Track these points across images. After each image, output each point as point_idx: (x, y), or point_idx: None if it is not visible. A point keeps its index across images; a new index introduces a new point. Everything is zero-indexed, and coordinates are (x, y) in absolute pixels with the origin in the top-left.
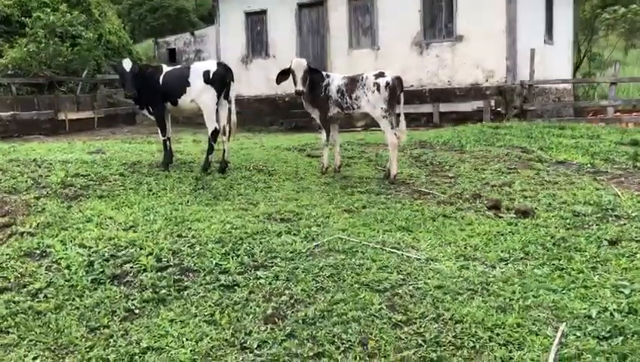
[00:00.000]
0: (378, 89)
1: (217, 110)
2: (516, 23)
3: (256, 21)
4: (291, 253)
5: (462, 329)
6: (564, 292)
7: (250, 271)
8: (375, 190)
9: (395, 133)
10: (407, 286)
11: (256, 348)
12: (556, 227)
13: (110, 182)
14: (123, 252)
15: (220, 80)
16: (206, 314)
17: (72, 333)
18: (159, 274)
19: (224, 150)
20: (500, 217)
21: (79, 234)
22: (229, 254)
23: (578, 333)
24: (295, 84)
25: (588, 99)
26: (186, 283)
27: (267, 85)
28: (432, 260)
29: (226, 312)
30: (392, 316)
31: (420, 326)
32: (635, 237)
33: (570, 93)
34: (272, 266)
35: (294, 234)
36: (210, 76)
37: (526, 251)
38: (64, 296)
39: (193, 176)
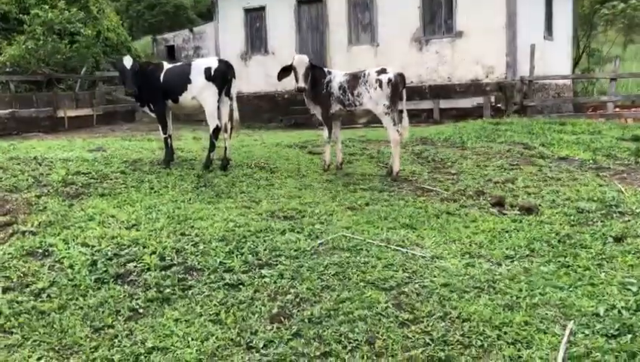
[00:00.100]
0: (380, 85)
1: (219, 107)
2: (516, 19)
3: (255, 17)
4: (296, 251)
5: (469, 327)
6: (571, 289)
7: (255, 269)
8: (378, 187)
9: (397, 130)
10: (413, 284)
11: (262, 348)
12: (561, 224)
13: (111, 180)
14: (126, 251)
15: (222, 77)
16: (211, 313)
17: (76, 333)
18: (163, 273)
19: (226, 147)
20: (504, 214)
21: (81, 232)
22: (233, 253)
23: (586, 331)
24: (297, 80)
25: (587, 95)
26: (190, 282)
27: (266, 82)
28: (437, 258)
29: (232, 311)
30: (399, 315)
31: (427, 325)
32: None
33: (570, 89)
34: (277, 265)
35: (298, 232)
36: (212, 73)
37: (531, 248)
38: (67, 295)
39: (195, 173)
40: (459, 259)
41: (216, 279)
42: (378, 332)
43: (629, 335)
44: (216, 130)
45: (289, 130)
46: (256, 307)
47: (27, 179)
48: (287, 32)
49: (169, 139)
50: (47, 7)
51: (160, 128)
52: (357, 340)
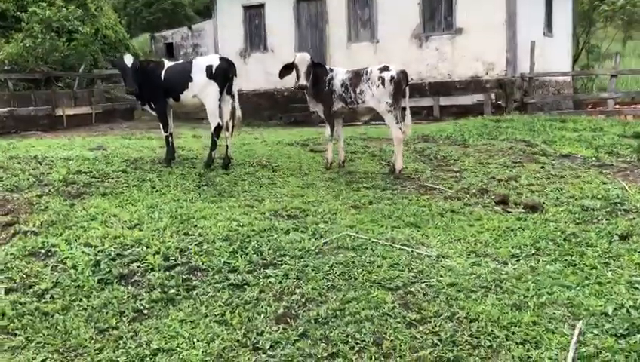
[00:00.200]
0: (383, 83)
1: (220, 105)
2: (516, 16)
3: (254, 14)
4: (300, 250)
5: (477, 327)
6: (578, 288)
7: (260, 269)
8: (381, 185)
9: (400, 128)
10: (419, 283)
11: (268, 349)
12: (566, 222)
13: (113, 179)
14: (129, 251)
15: (223, 75)
16: (216, 314)
17: (80, 335)
18: (167, 273)
19: (227, 146)
20: (509, 212)
21: (84, 232)
22: (237, 252)
23: (595, 331)
24: (298, 78)
25: (586, 92)
26: (194, 283)
27: (266, 79)
28: (443, 257)
29: (237, 312)
30: (406, 315)
31: (435, 325)
32: None
33: (570, 86)
34: (282, 264)
35: (302, 232)
36: (213, 71)
37: (537, 247)
38: (71, 296)
39: (196, 172)
40: (465, 258)
41: (220, 279)
42: (385, 333)
43: (639, 335)
44: (218, 128)
45: (289, 128)
46: (262, 307)
47: (28, 179)
48: (287, 30)
49: (170, 138)
50: (44, 4)
51: (161, 126)
52: (364, 341)
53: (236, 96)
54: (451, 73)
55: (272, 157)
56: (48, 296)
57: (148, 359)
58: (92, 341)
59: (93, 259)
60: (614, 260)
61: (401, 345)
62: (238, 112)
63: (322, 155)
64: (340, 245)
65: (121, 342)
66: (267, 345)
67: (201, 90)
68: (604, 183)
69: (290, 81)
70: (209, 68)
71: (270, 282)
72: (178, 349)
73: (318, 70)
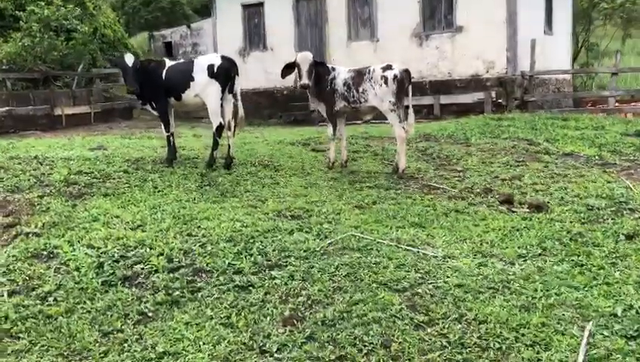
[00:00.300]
0: (386, 82)
1: (222, 105)
2: (516, 14)
3: (253, 13)
4: (305, 251)
5: (486, 329)
6: (586, 289)
7: (265, 270)
8: (384, 185)
9: (403, 127)
10: (426, 285)
11: (275, 352)
12: (571, 221)
13: (114, 179)
14: (133, 252)
15: (225, 74)
16: (222, 316)
17: (84, 338)
18: (171, 275)
19: (229, 145)
20: (514, 212)
21: (86, 234)
22: (241, 253)
23: (605, 332)
24: (300, 77)
25: (586, 90)
26: (199, 285)
27: (265, 78)
28: (449, 257)
29: (243, 314)
30: (414, 316)
31: (444, 327)
32: None
33: (570, 84)
34: (287, 266)
35: (306, 232)
36: (215, 70)
37: (543, 247)
38: (74, 299)
39: (198, 172)
40: (471, 259)
41: (225, 281)
42: (393, 335)
43: None
44: (220, 127)
45: (289, 127)
46: (268, 309)
47: (29, 179)
48: (286, 28)
49: (171, 137)
50: (43, 3)
51: (162, 126)
52: (372, 343)
53: (239, 95)
54: (452, 72)
55: (273, 157)
56: (52, 299)
57: None
58: (97, 344)
59: (97, 260)
60: (621, 260)
61: (409, 348)
62: (241, 111)
63: (324, 155)
64: (345, 246)
65: (126, 345)
66: (274, 347)
67: (203, 89)
68: (608, 182)
69: (289, 79)
70: (211, 67)
71: (276, 283)
72: (184, 352)
73: (320, 69)
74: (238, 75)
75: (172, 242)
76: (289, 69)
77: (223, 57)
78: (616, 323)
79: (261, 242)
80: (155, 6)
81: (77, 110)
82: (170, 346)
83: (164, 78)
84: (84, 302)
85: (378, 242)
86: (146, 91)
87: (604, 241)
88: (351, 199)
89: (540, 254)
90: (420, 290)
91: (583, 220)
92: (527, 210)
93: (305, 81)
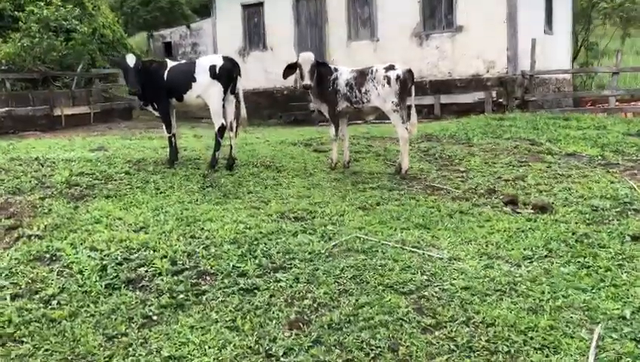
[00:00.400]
0: (389, 82)
1: (224, 105)
2: (517, 13)
3: (253, 13)
4: (310, 253)
5: (494, 332)
6: (594, 291)
7: (270, 273)
8: (387, 186)
9: (406, 127)
10: (432, 287)
11: (282, 356)
12: (576, 222)
13: (116, 180)
14: (136, 255)
15: (227, 75)
16: (227, 319)
17: (89, 342)
18: (175, 278)
19: (231, 146)
20: (518, 213)
21: (89, 236)
22: (245, 256)
23: (614, 335)
24: (302, 78)
25: (586, 89)
26: (203, 287)
27: (265, 78)
28: (454, 259)
29: (248, 317)
30: (421, 320)
31: (451, 331)
32: None
33: (570, 83)
34: (291, 268)
35: (310, 234)
36: (217, 71)
37: (549, 248)
38: (78, 302)
39: (200, 173)
40: (477, 261)
41: (230, 284)
42: (400, 339)
43: None
44: (222, 128)
45: (289, 127)
46: (274, 313)
47: (30, 181)
48: (286, 28)
49: (173, 138)
50: (42, 4)
51: (164, 127)
52: (379, 347)
53: (241, 96)
54: (452, 71)
55: (275, 158)
56: (55, 302)
57: None
58: (101, 348)
59: (100, 263)
60: (628, 261)
61: (417, 352)
62: (243, 112)
63: (327, 155)
64: (350, 247)
65: (130, 349)
66: (280, 351)
67: (205, 90)
68: (611, 182)
69: (289, 79)
70: (212, 68)
71: (281, 286)
72: (189, 356)
73: (322, 69)
74: (240, 75)
75: (175, 244)
76: (291, 69)
77: (225, 58)
78: (626, 326)
79: (265, 244)
80: (154, 6)
81: (76, 110)
82: (176, 350)
83: (165, 78)
84: (88, 306)
85: (383, 244)
86: (148, 92)
87: (610, 242)
88: (354, 200)
89: (546, 256)
90: (426, 293)
91: (588, 221)
92: (532, 211)
93: (307, 81)
